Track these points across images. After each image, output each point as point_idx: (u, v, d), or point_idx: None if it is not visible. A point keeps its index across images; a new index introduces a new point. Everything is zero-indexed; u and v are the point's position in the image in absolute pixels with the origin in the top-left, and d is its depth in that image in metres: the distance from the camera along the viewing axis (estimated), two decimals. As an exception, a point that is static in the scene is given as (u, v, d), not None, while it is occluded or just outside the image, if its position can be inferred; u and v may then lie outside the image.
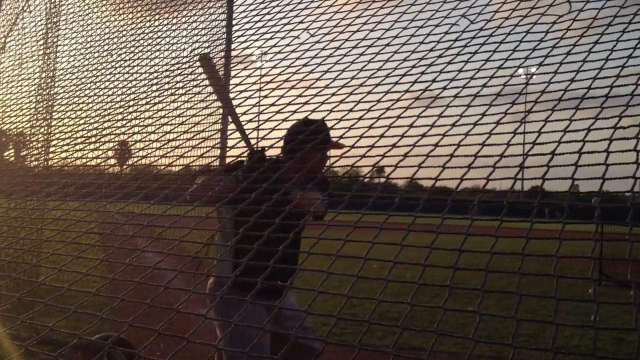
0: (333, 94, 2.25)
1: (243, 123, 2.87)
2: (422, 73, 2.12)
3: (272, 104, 2.53)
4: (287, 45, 2.81)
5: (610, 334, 6.23)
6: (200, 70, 3.05)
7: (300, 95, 2.36)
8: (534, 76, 1.99)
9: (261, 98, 2.70)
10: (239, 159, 2.73)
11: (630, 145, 1.33)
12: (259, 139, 2.85)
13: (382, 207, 1.67)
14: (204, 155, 2.96)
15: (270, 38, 2.95)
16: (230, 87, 3.23)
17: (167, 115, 3.00)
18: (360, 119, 2.00)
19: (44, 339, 1.91)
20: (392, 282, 1.44)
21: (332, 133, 2.18)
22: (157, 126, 2.87)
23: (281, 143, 2.78)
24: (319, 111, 2.20)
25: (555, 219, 1.42)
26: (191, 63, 3.52)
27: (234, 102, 2.80)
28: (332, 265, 1.52)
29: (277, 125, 2.27)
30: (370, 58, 2.44)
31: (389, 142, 1.79)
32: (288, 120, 2.29)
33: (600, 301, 1.15)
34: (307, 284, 1.48)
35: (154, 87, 3.33)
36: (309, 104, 2.27)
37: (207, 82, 3.01)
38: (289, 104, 2.34)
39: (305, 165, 2.01)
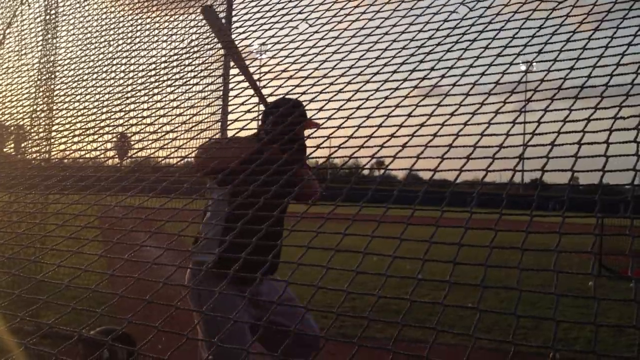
0: (331, 84, 2.23)
1: (242, 113, 2.84)
2: (421, 62, 2.09)
3: (271, 94, 2.52)
4: (286, 35, 2.79)
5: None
6: (206, 28, 2.99)
7: (298, 85, 2.34)
8: (534, 65, 1.96)
9: (260, 88, 2.68)
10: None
11: (630, 136, 1.31)
12: (259, 130, 2.84)
13: (381, 199, 1.66)
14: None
15: (269, 28, 2.93)
16: (230, 78, 3.22)
17: (165, 107, 2.99)
18: (358, 108, 1.98)
19: (45, 334, 1.91)
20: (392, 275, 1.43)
21: (331, 123, 2.16)
22: (156, 117, 2.85)
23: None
24: (317, 101, 2.19)
25: (556, 211, 1.40)
26: (189, 51, 3.49)
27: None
28: (331, 260, 1.51)
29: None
30: (368, 47, 2.41)
31: (387, 132, 1.78)
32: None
33: (601, 297, 1.14)
34: (306, 277, 1.47)
35: (153, 79, 3.31)
36: (307, 93, 2.25)
37: (213, 35, 2.95)
38: (286, 94, 2.33)
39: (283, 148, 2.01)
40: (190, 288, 2.30)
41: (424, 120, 1.77)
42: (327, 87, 2.19)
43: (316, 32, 2.68)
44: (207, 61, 3.69)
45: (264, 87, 2.59)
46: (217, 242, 2.32)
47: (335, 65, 2.35)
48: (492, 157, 1.49)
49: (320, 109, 2.12)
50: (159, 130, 2.64)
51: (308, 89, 2.26)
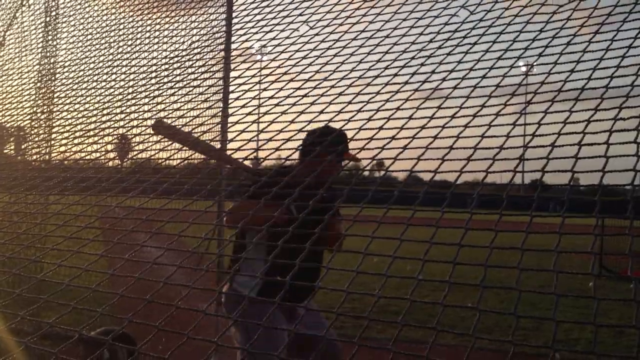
0: (332, 86, 2.24)
1: (242, 115, 2.84)
2: (422, 65, 2.10)
3: (272, 97, 2.52)
4: (287, 37, 2.79)
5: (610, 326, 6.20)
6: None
7: (299, 88, 2.35)
8: (534, 68, 1.97)
9: (261, 91, 2.69)
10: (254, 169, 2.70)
11: (630, 137, 1.31)
12: (259, 132, 2.82)
13: (382, 200, 1.67)
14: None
15: (270, 31, 2.94)
16: (230, 80, 3.22)
17: (166, 109, 2.99)
18: (359, 111, 1.99)
19: (45, 334, 1.92)
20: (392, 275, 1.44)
21: (332, 125, 2.18)
22: (157, 118, 2.86)
23: (291, 142, 2.73)
24: (318, 104, 2.19)
25: (557, 212, 1.41)
26: (184, 64, 3.48)
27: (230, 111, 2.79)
28: (331, 260, 1.52)
29: (276, 118, 2.26)
30: (369, 50, 2.42)
31: (388, 135, 1.78)
32: (287, 113, 2.28)
33: (600, 297, 1.14)
34: (307, 278, 1.48)
35: (153, 81, 3.32)
36: (309, 96, 2.25)
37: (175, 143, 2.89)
38: (287, 96, 2.33)
39: (322, 175, 2.09)
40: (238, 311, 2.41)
41: (425, 123, 1.77)
42: (328, 90, 2.20)
43: (317, 34, 2.69)
44: (207, 63, 3.70)
45: (265, 89, 2.59)
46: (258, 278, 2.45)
47: (337, 68, 2.36)
48: (492, 159, 1.50)
49: (321, 112, 2.12)
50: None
51: (309, 91, 2.26)
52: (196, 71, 3.44)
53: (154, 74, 3.46)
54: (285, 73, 2.62)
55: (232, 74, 3.46)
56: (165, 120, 2.89)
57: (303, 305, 2.68)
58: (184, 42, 4.10)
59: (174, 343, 1.42)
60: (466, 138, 1.63)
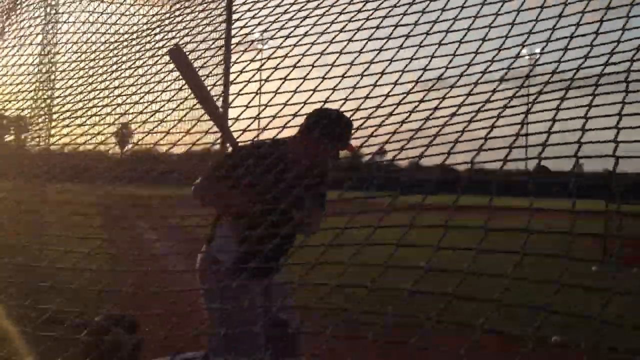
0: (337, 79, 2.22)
1: (241, 103, 2.82)
2: (419, 58, 2.10)
3: (270, 82, 2.51)
4: (289, 19, 2.76)
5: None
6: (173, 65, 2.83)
7: (305, 80, 2.33)
8: (540, 56, 1.95)
9: (260, 72, 2.67)
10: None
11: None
12: (261, 106, 2.77)
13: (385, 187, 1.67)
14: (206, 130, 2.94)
15: (263, 7, 2.91)
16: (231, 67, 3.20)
17: (166, 98, 2.98)
18: (355, 87, 1.98)
19: (48, 319, 1.93)
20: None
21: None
22: (162, 105, 2.85)
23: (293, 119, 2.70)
24: (320, 90, 2.19)
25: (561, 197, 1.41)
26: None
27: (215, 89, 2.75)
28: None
29: (278, 89, 2.27)
30: (369, 35, 2.41)
31: (392, 125, 1.79)
32: (280, 93, 2.26)
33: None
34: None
35: (154, 69, 3.30)
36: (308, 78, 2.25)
37: (181, 77, 2.77)
38: (296, 91, 2.33)
39: (316, 155, 2.26)
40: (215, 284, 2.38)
41: (429, 114, 1.77)
42: (327, 73, 2.19)
43: (314, 25, 2.65)
44: (204, 55, 3.67)
45: (267, 79, 2.57)
46: (234, 242, 2.40)
47: (337, 60, 2.35)
48: (481, 146, 1.49)
49: (326, 101, 2.11)
50: (163, 120, 2.63)
51: (316, 84, 2.25)
52: (197, 60, 3.41)
53: (154, 60, 3.43)
54: (285, 60, 2.59)
55: (233, 68, 3.43)
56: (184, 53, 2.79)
57: (278, 272, 2.63)
58: (184, 29, 4.06)
59: (174, 326, 1.43)
60: (472, 131, 1.63)
